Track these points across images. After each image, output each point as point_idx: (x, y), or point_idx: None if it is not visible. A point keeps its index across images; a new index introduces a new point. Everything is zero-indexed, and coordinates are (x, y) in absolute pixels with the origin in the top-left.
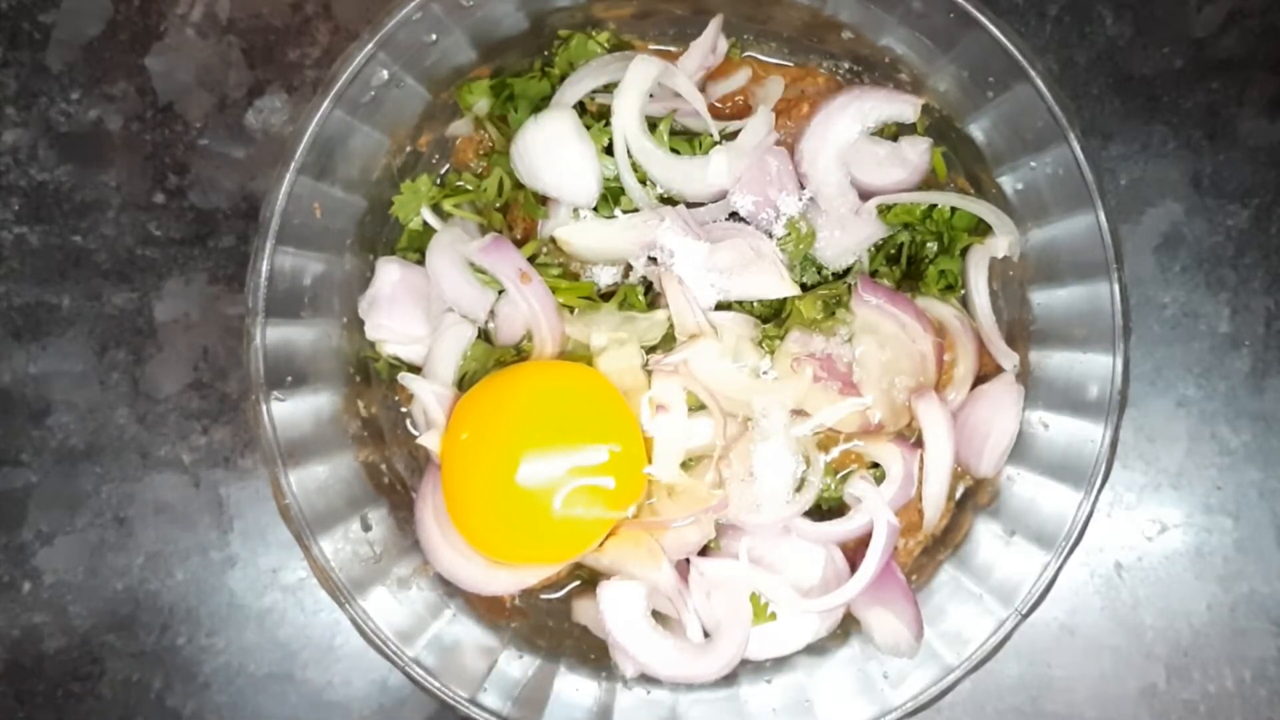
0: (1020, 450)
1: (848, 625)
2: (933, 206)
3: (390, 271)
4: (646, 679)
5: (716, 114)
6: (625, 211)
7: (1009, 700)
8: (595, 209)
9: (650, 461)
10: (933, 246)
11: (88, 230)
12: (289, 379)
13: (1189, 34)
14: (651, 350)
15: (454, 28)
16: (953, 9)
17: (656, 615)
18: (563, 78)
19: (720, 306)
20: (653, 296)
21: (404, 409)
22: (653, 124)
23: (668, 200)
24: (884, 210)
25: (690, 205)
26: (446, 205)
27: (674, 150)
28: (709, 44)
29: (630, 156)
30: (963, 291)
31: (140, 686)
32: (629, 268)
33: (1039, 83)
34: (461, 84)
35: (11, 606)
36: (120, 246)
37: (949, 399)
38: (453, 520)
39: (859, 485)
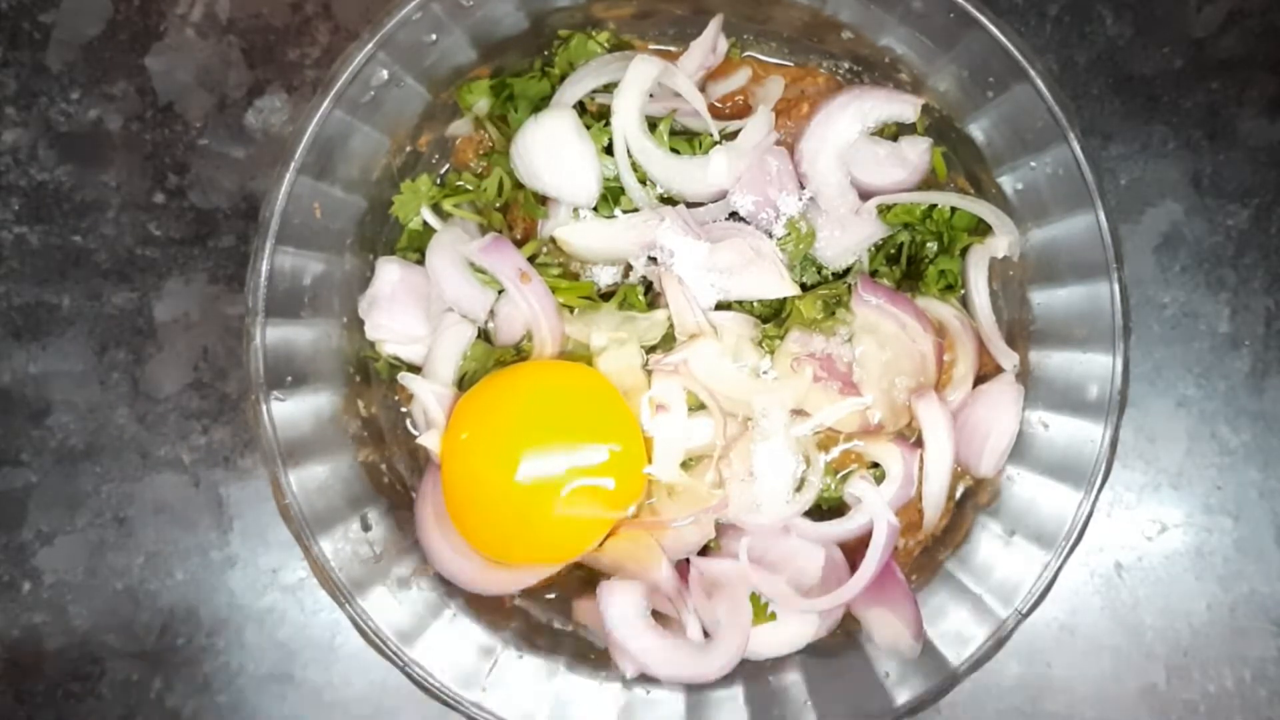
0: (1020, 450)
1: (848, 625)
2: (933, 206)
3: (390, 271)
4: (646, 679)
5: (716, 114)
6: (625, 211)
7: (1009, 700)
8: (595, 209)
9: (650, 461)
10: (933, 246)
11: (88, 230)
12: (289, 379)
13: (1189, 34)
14: (651, 350)
15: (454, 28)
16: (953, 9)
17: (656, 615)
18: (563, 78)
19: (720, 306)
20: (653, 296)
21: (404, 409)
22: (653, 124)
23: (668, 200)
24: (884, 210)
25: (690, 205)
26: (446, 205)
27: (674, 150)
28: (709, 44)
29: (630, 156)
30: (963, 291)
31: (140, 686)
32: (629, 268)
33: (1039, 83)
34: (461, 84)
35: (11, 606)
36: (120, 246)
37: (949, 399)
38: (452, 520)
39: (859, 485)
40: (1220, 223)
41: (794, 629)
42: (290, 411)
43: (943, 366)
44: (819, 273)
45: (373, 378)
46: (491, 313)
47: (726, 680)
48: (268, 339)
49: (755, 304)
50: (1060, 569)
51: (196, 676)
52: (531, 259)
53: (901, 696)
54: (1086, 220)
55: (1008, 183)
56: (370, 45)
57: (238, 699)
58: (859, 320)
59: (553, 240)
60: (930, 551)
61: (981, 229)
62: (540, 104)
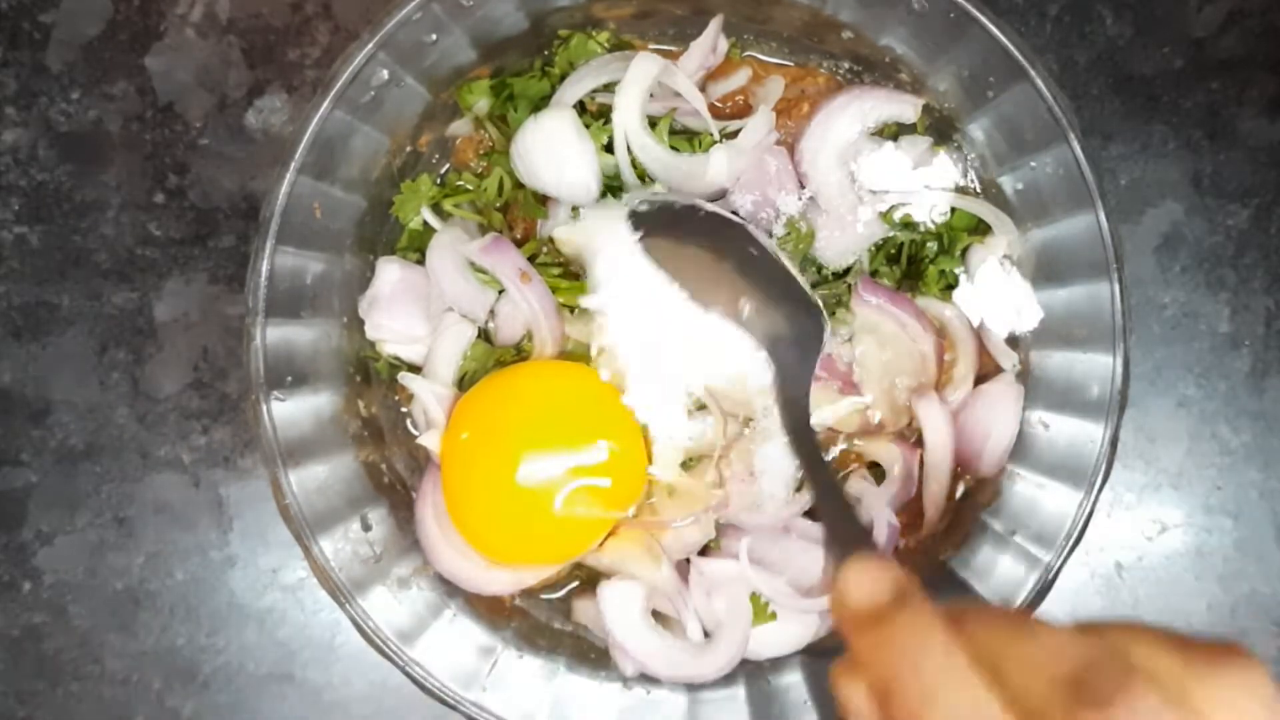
0: (1020, 450)
1: None
2: (932, 206)
3: (390, 271)
4: (646, 679)
5: (716, 113)
6: None
7: None
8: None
9: (650, 461)
10: (933, 246)
11: (88, 230)
12: (289, 379)
13: (1189, 34)
14: None
15: (454, 28)
16: (953, 9)
17: (656, 615)
18: (563, 77)
19: None
20: None
21: (404, 409)
22: (653, 123)
23: None
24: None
25: None
26: (446, 205)
27: (674, 149)
28: (709, 44)
29: (630, 153)
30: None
31: (140, 686)
32: None
33: (1039, 83)
34: (461, 84)
35: (11, 606)
36: (120, 246)
37: (949, 399)
38: (452, 520)
39: (859, 485)
40: (1220, 223)
41: (794, 629)
42: (290, 411)
43: (943, 366)
44: (819, 273)
45: (373, 378)
46: (492, 313)
47: (726, 680)
48: (268, 339)
49: None
50: (1060, 569)
51: (196, 676)
52: (531, 259)
53: None
54: (1086, 220)
55: (1008, 183)
56: (370, 45)
57: (238, 699)
58: (859, 320)
59: (552, 240)
60: (930, 551)
61: (981, 229)
62: (540, 104)
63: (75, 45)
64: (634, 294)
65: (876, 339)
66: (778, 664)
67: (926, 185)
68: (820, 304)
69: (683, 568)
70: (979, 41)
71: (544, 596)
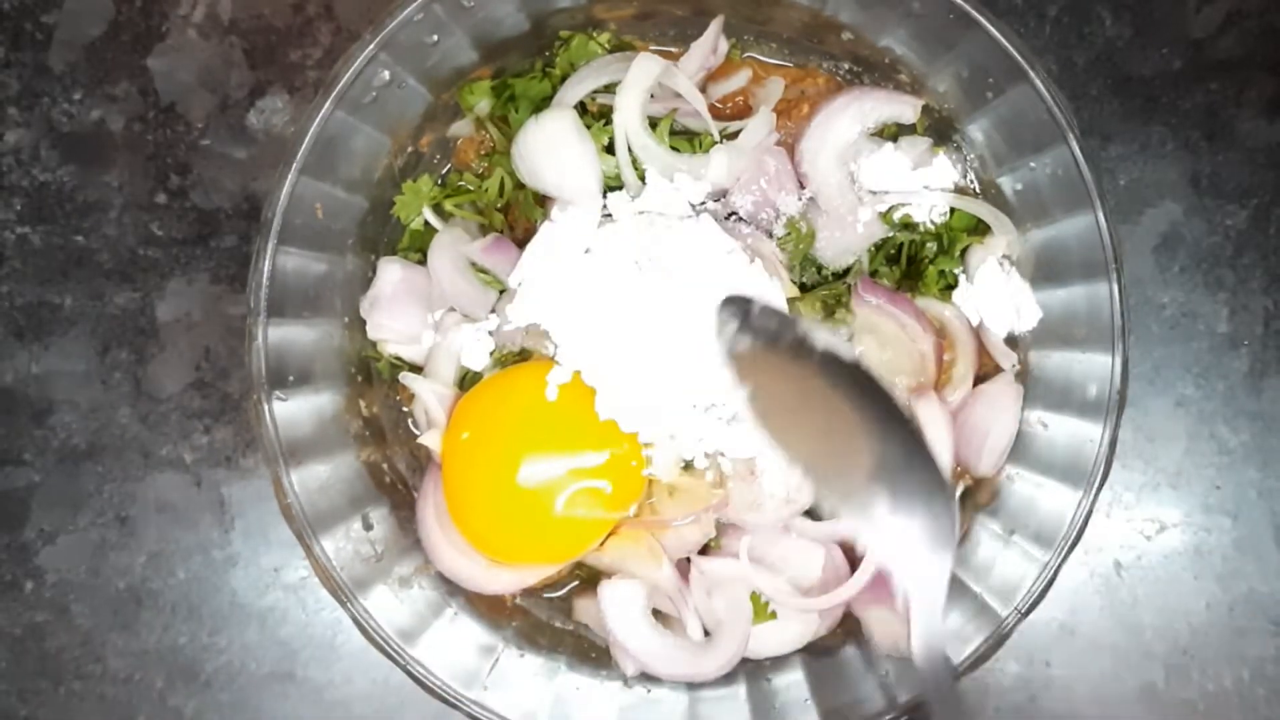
0: (1019, 450)
1: (848, 624)
2: (931, 206)
3: (392, 271)
4: (647, 678)
5: (717, 114)
6: None
7: (1008, 699)
8: None
9: (650, 462)
10: (933, 246)
11: (90, 230)
12: (291, 379)
13: (1188, 35)
14: None
15: (455, 28)
16: (953, 9)
17: (657, 614)
18: (563, 78)
19: None
20: None
21: (405, 409)
22: (653, 123)
23: None
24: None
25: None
26: (448, 205)
27: (674, 149)
28: (710, 45)
29: (631, 153)
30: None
31: (142, 685)
32: None
33: (1038, 83)
34: (463, 85)
35: (14, 605)
36: (122, 246)
37: (948, 399)
38: (453, 520)
39: None
40: (1219, 223)
41: (794, 628)
42: (292, 411)
43: (942, 366)
44: (819, 273)
45: (374, 377)
46: (493, 312)
47: (727, 679)
48: (270, 339)
49: None
50: (1059, 568)
51: (198, 675)
52: None
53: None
54: (1086, 220)
55: (1007, 183)
56: (372, 46)
57: (239, 698)
58: (859, 320)
59: None
60: None
61: (981, 229)
62: (541, 104)
63: (77, 46)
64: (581, 306)
65: (876, 339)
66: (778, 663)
67: (926, 186)
68: (953, 490)
69: (683, 567)
70: (978, 42)
71: (545, 595)
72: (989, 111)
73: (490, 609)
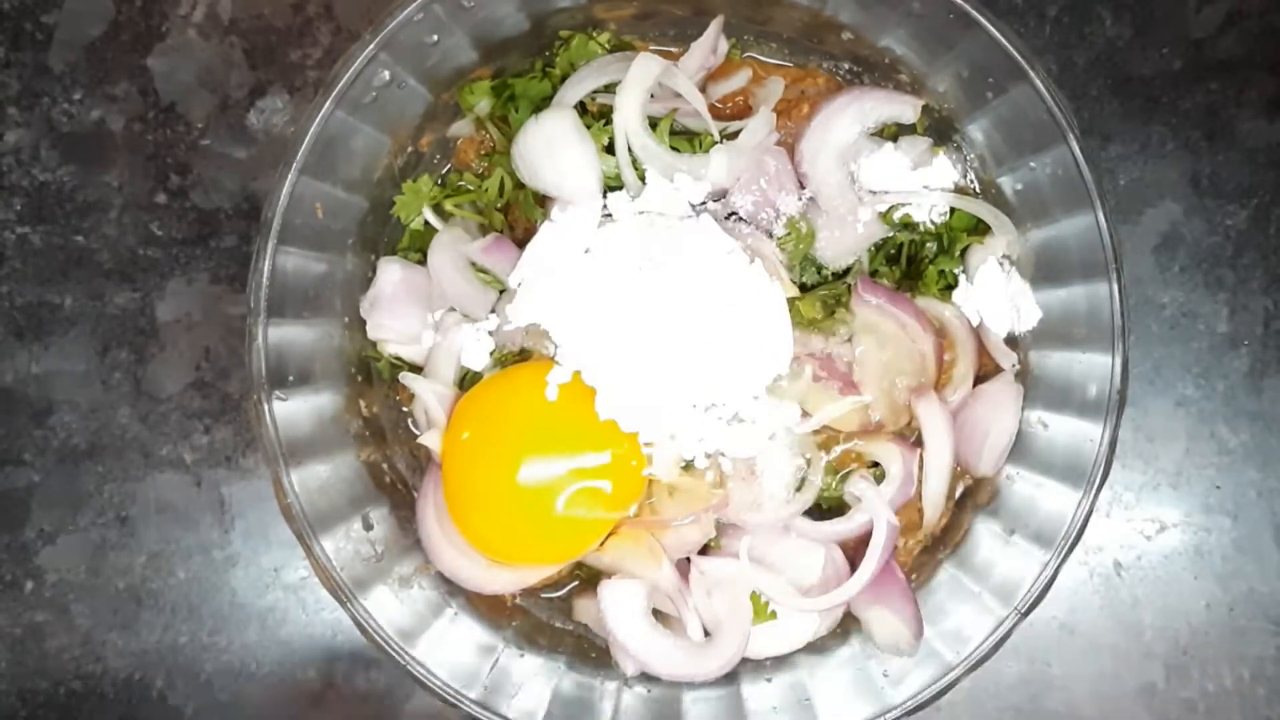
0: (1019, 450)
1: (848, 624)
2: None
3: (392, 271)
4: (647, 678)
5: (717, 114)
6: None
7: (1008, 699)
8: None
9: (650, 462)
10: (933, 246)
11: (90, 230)
12: (291, 378)
13: (1188, 35)
14: None
15: (455, 28)
16: (953, 10)
17: (657, 614)
18: (563, 78)
19: None
20: None
21: (405, 408)
22: (653, 123)
23: None
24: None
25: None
26: (448, 205)
27: (674, 149)
28: (710, 45)
29: (631, 153)
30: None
31: (142, 685)
32: None
33: (1038, 83)
34: (463, 85)
35: (14, 605)
36: (122, 246)
37: (949, 399)
38: (453, 520)
39: (859, 484)
40: (1219, 223)
41: (794, 628)
42: (292, 411)
43: (942, 366)
44: (819, 273)
45: (374, 377)
46: (493, 312)
47: (727, 679)
48: (270, 339)
49: None
50: (1059, 568)
51: (198, 675)
52: None
53: (901, 696)
54: (1086, 220)
55: (1007, 183)
56: (372, 46)
57: (239, 697)
58: (859, 320)
59: None
60: (930, 551)
61: (981, 229)
62: (541, 104)
63: (77, 46)
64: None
65: (876, 339)
66: (778, 663)
67: (926, 186)
68: None
69: (683, 567)
70: (978, 42)
71: (545, 595)
72: (989, 111)
73: (490, 609)
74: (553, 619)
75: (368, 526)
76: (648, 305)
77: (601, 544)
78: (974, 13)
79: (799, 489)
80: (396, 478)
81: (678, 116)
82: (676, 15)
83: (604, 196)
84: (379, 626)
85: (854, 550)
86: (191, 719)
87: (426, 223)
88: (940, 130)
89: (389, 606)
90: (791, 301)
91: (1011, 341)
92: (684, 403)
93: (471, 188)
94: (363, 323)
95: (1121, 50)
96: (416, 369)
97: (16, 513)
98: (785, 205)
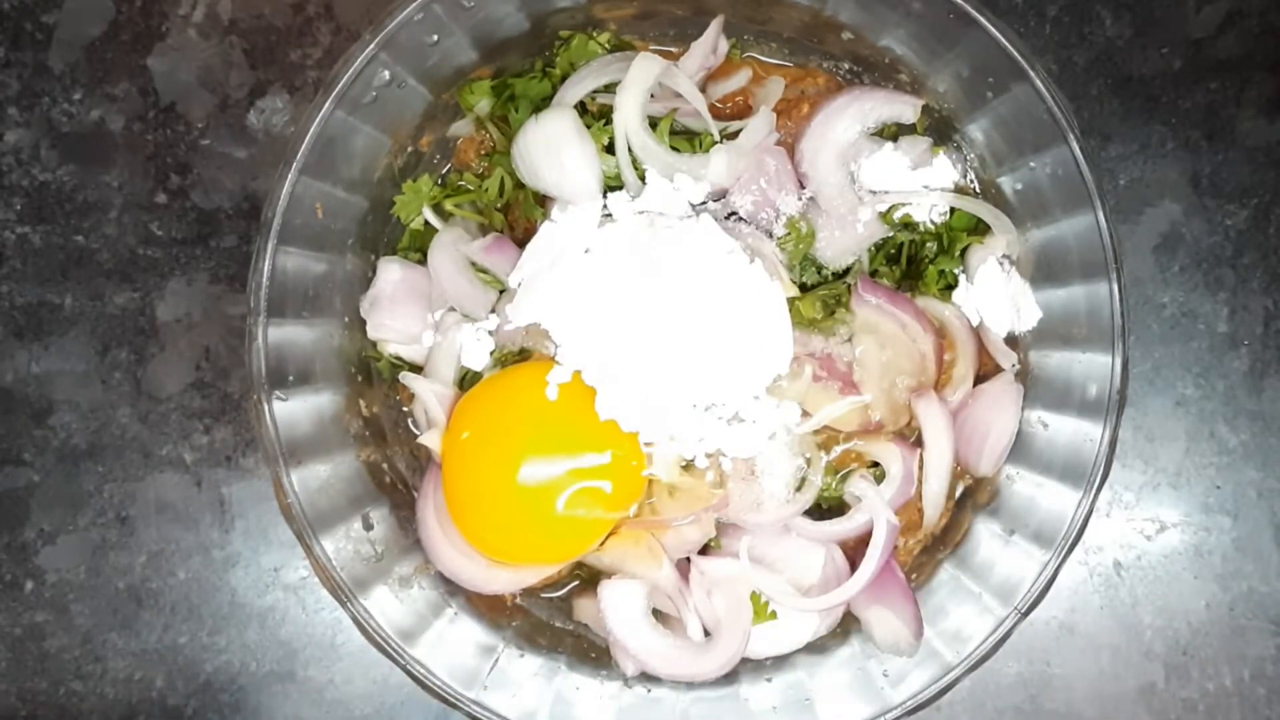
0: (1019, 449)
1: (848, 624)
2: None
3: (392, 271)
4: (647, 677)
5: (717, 114)
6: None
7: (1008, 699)
8: None
9: (650, 462)
10: (933, 246)
11: (90, 230)
12: (291, 378)
13: (1188, 34)
14: None
15: (455, 28)
16: (953, 9)
17: (657, 614)
18: (563, 78)
19: None
20: None
21: (405, 408)
22: (653, 123)
23: None
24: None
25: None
26: (448, 205)
27: (674, 149)
28: (710, 45)
29: (631, 153)
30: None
31: (142, 685)
32: None
33: (1038, 83)
34: (463, 84)
35: (14, 605)
36: (122, 246)
37: (949, 399)
38: (453, 520)
39: (859, 484)
40: (1219, 223)
41: (794, 628)
42: (292, 411)
43: (943, 366)
44: (819, 273)
45: (374, 377)
46: (493, 312)
47: (727, 679)
48: (270, 339)
49: None
50: (1059, 568)
51: (198, 675)
52: None
53: (901, 695)
54: (1086, 220)
55: (1007, 183)
56: (372, 46)
57: (240, 698)
58: (859, 320)
59: None
60: (930, 551)
61: (981, 229)
62: (541, 104)
63: (77, 45)
64: (585, 311)
65: (876, 339)
66: (778, 663)
67: (926, 186)
68: None
69: (683, 567)
70: (978, 42)
71: (545, 595)
72: (989, 111)
73: (490, 609)
74: (553, 619)
75: (368, 526)
76: (648, 305)
77: (601, 544)
78: (974, 13)
79: (799, 489)
80: (396, 478)
81: (678, 116)
82: (676, 15)
83: (604, 196)
84: (379, 626)
85: (854, 550)
86: (191, 719)
87: (426, 223)
88: (940, 130)
89: (389, 606)
90: (791, 301)
91: (1011, 341)
92: (684, 403)
93: (471, 188)
94: (363, 323)
95: (1121, 50)
96: (416, 369)
97: (16, 513)
98: (785, 205)
